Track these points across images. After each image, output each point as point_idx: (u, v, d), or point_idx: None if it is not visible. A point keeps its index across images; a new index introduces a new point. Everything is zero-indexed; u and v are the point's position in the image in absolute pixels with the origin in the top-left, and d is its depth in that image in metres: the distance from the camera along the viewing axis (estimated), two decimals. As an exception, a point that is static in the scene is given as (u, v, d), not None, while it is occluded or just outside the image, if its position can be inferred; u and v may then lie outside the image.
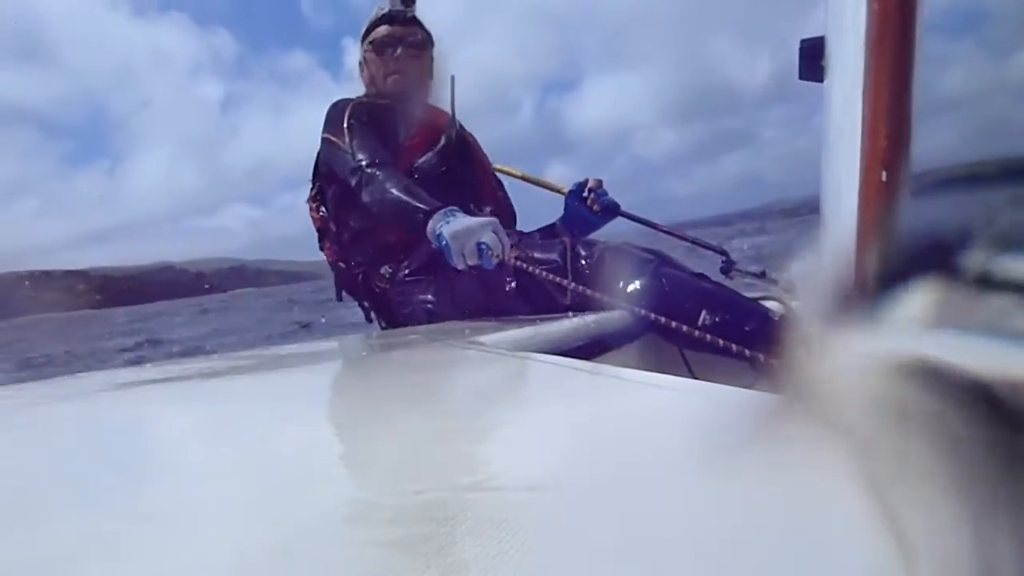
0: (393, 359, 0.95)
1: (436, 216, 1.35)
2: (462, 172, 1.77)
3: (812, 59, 0.59)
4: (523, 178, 1.98)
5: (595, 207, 1.70)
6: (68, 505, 0.38)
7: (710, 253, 1.81)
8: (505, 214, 1.88)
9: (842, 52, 0.49)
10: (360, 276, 1.75)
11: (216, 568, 0.29)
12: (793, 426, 0.43)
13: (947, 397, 0.24)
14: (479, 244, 1.29)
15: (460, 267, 1.32)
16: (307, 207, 1.85)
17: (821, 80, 0.56)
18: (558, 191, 1.85)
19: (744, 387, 0.57)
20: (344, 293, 1.86)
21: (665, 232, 1.88)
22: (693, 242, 1.88)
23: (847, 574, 0.26)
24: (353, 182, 1.54)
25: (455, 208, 1.38)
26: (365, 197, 1.52)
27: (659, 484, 0.37)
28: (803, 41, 0.62)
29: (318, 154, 1.76)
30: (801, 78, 0.64)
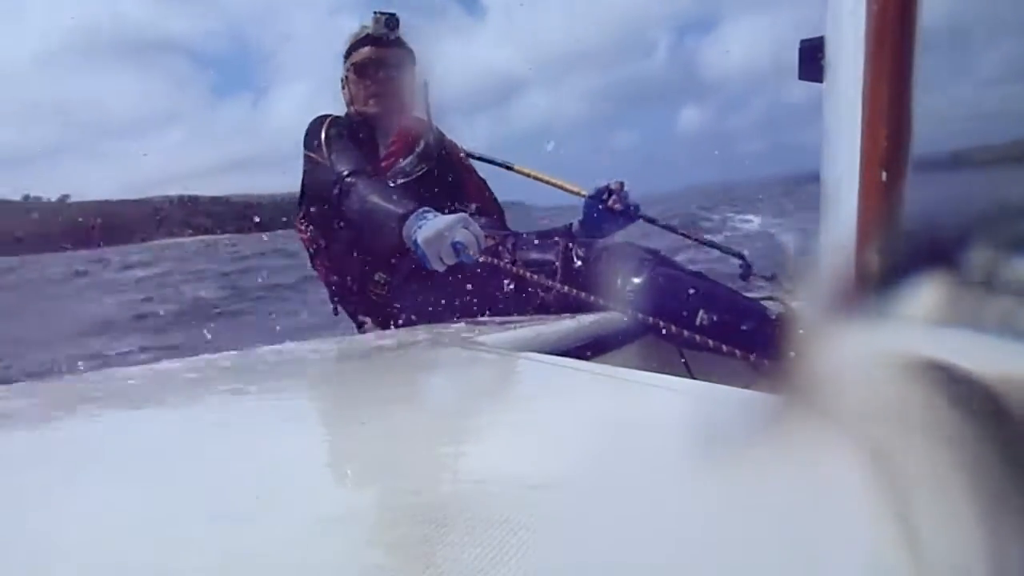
0: (393, 359, 0.95)
1: (408, 222, 1.35)
2: (443, 174, 1.77)
3: (812, 59, 0.59)
4: (543, 179, 1.97)
5: (617, 207, 1.69)
6: (64, 506, 0.38)
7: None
8: (492, 213, 1.89)
9: (842, 52, 0.49)
10: (355, 287, 1.75)
11: (215, 568, 0.29)
12: (793, 426, 0.43)
13: (951, 397, 0.24)
14: (454, 244, 1.28)
15: (440, 269, 1.31)
16: (296, 229, 1.85)
17: (821, 80, 0.56)
18: (576, 193, 1.85)
19: (743, 387, 0.57)
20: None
21: (683, 236, 1.85)
22: (711, 245, 1.86)
23: (848, 573, 0.26)
24: (334, 194, 1.55)
25: (427, 209, 1.37)
26: (346, 208, 1.52)
27: (658, 484, 0.37)
28: (803, 41, 0.62)
29: (303, 174, 1.76)
30: (801, 78, 0.64)
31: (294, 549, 0.30)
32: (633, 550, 0.28)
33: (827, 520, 0.31)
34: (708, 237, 1.92)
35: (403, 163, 1.71)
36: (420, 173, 1.71)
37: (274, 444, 0.50)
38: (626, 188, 1.73)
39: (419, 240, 1.30)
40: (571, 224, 1.80)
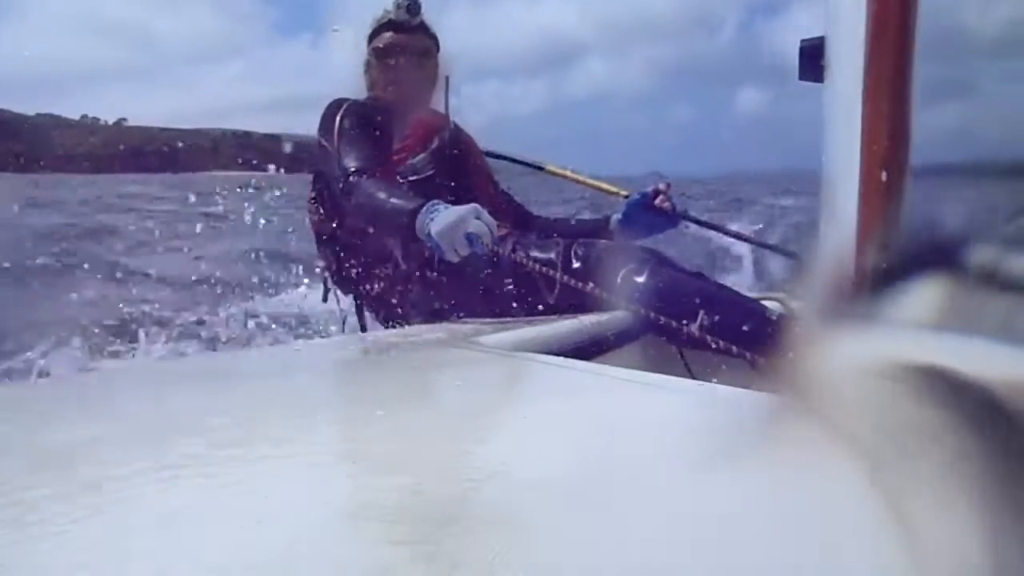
0: (393, 359, 0.95)
1: (420, 216, 1.35)
2: (455, 172, 1.76)
3: (812, 59, 0.59)
4: (577, 180, 1.93)
5: (666, 205, 1.69)
6: (68, 503, 0.38)
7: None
8: (501, 213, 1.88)
9: (842, 52, 0.49)
10: (356, 276, 1.75)
11: (219, 566, 0.29)
12: (792, 426, 0.43)
13: (949, 399, 0.24)
14: (467, 235, 1.29)
15: (455, 260, 1.32)
16: (307, 210, 1.84)
17: (821, 80, 0.56)
18: (615, 194, 1.82)
19: (743, 387, 0.57)
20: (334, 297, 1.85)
21: (732, 236, 1.81)
22: (760, 245, 1.82)
23: (848, 572, 0.26)
24: (339, 188, 1.55)
25: (436, 202, 1.37)
26: (350, 205, 1.52)
27: (658, 483, 0.37)
28: (803, 41, 0.62)
29: (317, 158, 1.76)
30: (801, 78, 0.64)
31: (296, 548, 0.30)
32: (633, 550, 0.28)
33: (826, 520, 0.31)
34: (758, 237, 1.86)
35: (415, 160, 1.70)
36: (431, 172, 1.70)
37: (274, 443, 0.50)
38: (671, 190, 1.72)
39: (432, 233, 1.31)
40: (608, 216, 1.80)
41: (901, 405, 0.29)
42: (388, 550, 0.29)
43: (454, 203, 1.40)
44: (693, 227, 1.85)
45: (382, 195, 1.45)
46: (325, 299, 1.87)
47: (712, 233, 1.94)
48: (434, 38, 1.84)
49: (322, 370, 0.92)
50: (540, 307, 1.43)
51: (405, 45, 1.77)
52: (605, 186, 1.88)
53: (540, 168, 1.98)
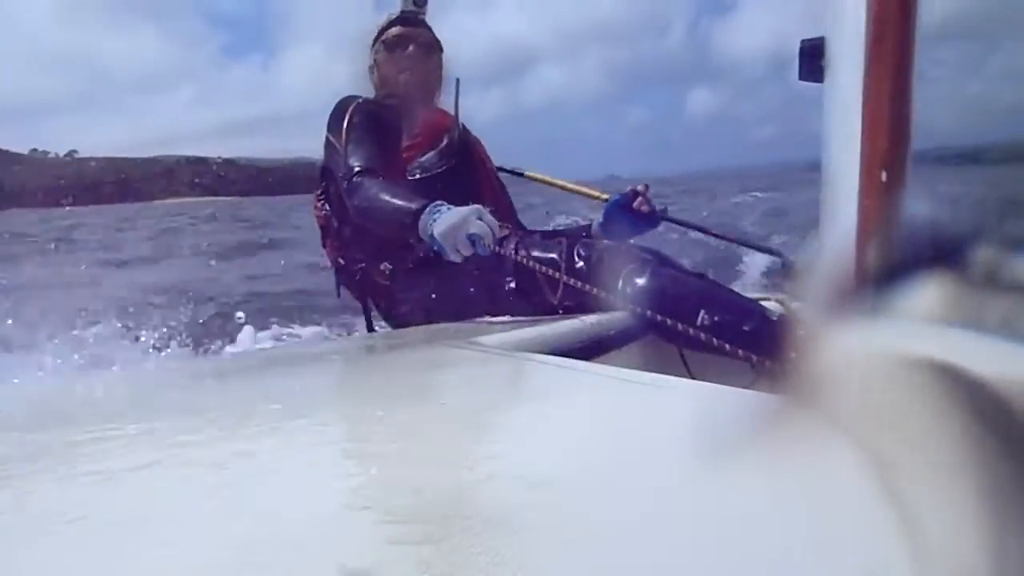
0: (393, 359, 0.95)
1: (423, 216, 1.37)
2: (462, 173, 1.77)
3: (812, 59, 0.59)
4: (558, 185, 1.94)
5: (644, 208, 1.69)
6: (68, 501, 0.38)
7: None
8: (505, 213, 1.88)
9: (842, 52, 0.49)
10: (359, 273, 1.76)
11: (216, 565, 0.29)
12: (793, 426, 0.43)
13: (952, 395, 0.24)
14: (469, 235, 1.30)
15: (458, 260, 1.33)
16: (313, 205, 1.85)
17: (821, 80, 0.56)
18: (596, 198, 1.83)
19: (743, 387, 0.57)
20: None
21: (715, 236, 1.80)
22: (745, 244, 1.81)
23: (849, 572, 0.26)
24: (343, 187, 1.56)
25: (439, 203, 1.38)
26: (353, 204, 1.54)
27: (659, 484, 0.37)
28: (803, 41, 0.62)
29: (324, 155, 1.77)
30: (801, 78, 0.64)
31: (293, 547, 0.30)
32: (633, 550, 0.28)
33: (828, 520, 0.31)
34: (743, 237, 1.85)
35: (424, 158, 1.72)
36: (439, 171, 1.71)
37: (274, 443, 0.50)
38: (650, 192, 1.73)
39: (435, 234, 1.32)
40: (590, 224, 1.80)
41: (902, 402, 0.29)
42: (388, 550, 0.29)
43: (461, 203, 1.41)
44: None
45: (385, 196, 1.46)
46: (339, 294, 1.89)
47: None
48: (437, 38, 1.86)
49: (322, 370, 0.92)
50: (543, 306, 1.43)
51: (414, 36, 1.81)
52: (585, 190, 1.89)
53: (520, 174, 2.00)
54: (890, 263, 0.39)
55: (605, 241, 1.53)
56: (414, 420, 0.55)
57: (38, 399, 0.75)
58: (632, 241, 1.66)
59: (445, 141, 1.74)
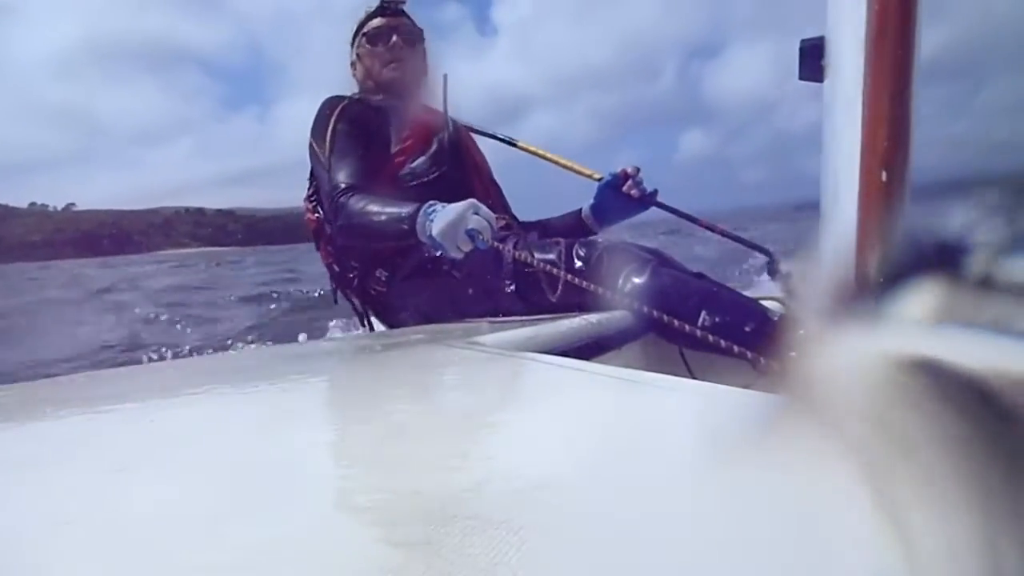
0: (393, 359, 0.95)
1: (419, 220, 1.36)
2: (454, 176, 1.75)
3: (812, 59, 0.59)
4: (550, 159, 1.91)
5: (633, 192, 1.68)
6: (66, 506, 0.38)
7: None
8: (500, 210, 1.87)
9: (842, 52, 0.49)
10: (356, 280, 1.75)
11: (215, 567, 0.29)
12: (793, 426, 0.43)
13: (949, 396, 0.24)
14: (467, 231, 1.30)
15: (459, 257, 1.33)
16: (304, 206, 1.84)
17: (821, 80, 0.56)
18: (588, 176, 1.81)
19: (744, 387, 0.57)
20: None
21: (705, 227, 1.79)
22: (735, 239, 1.80)
23: (847, 573, 0.26)
24: (327, 205, 1.55)
25: (432, 202, 1.38)
26: (340, 225, 1.52)
27: (659, 484, 0.37)
28: (803, 41, 0.62)
29: (309, 157, 1.75)
30: (801, 78, 0.64)
31: (292, 548, 0.30)
32: (633, 550, 0.28)
33: (826, 521, 0.31)
34: (733, 231, 1.84)
35: (414, 164, 1.69)
36: (432, 176, 1.69)
37: (272, 443, 0.50)
38: (641, 175, 1.71)
39: (434, 233, 1.32)
40: (580, 209, 1.80)
41: (899, 404, 0.29)
42: (388, 550, 0.29)
43: (452, 202, 1.40)
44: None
45: (375, 208, 1.45)
46: (335, 300, 1.87)
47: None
48: (419, 28, 1.84)
49: (320, 370, 0.92)
50: (542, 308, 1.43)
51: (396, 27, 1.78)
52: (577, 167, 1.86)
53: (512, 144, 1.95)
54: (889, 264, 0.39)
55: (604, 241, 1.53)
56: (413, 420, 0.55)
57: (28, 395, 0.75)
58: (632, 241, 1.66)
59: (435, 145, 1.72)
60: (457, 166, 1.76)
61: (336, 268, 1.78)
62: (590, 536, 0.30)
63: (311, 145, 1.68)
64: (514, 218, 1.91)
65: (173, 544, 0.32)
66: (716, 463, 0.39)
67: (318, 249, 1.84)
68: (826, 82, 0.55)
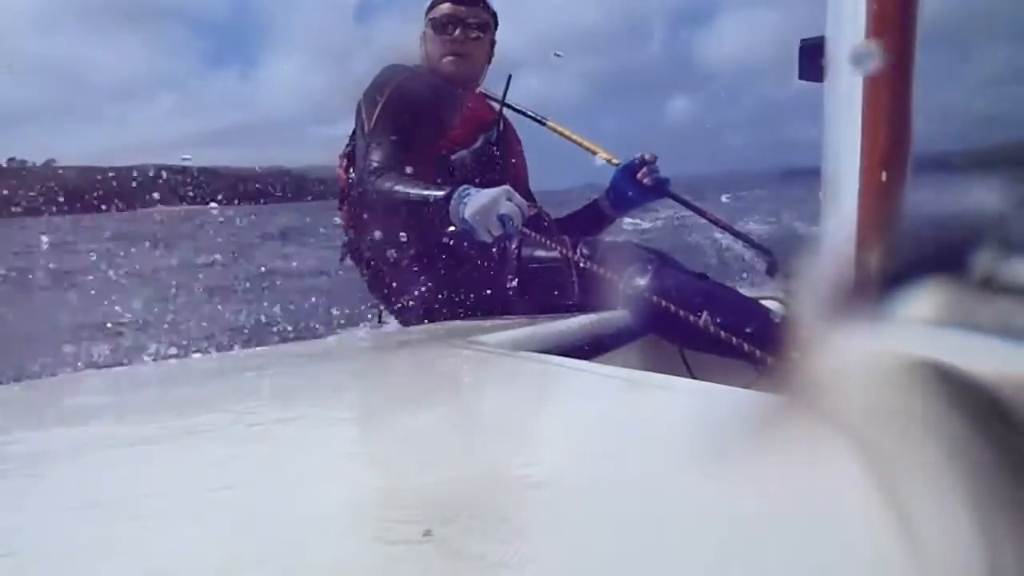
0: (394, 359, 0.95)
1: (453, 200, 1.36)
2: (494, 174, 1.73)
3: (812, 59, 0.58)
4: (575, 140, 1.91)
5: (646, 180, 1.68)
6: (72, 504, 0.38)
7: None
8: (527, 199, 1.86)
9: (842, 52, 0.49)
10: (367, 254, 1.74)
11: (219, 563, 0.29)
12: (793, 426, 0.43)
13: (950, 397, 0.24)
14: (499, 216, 1.31)
15: (489, 240, 1.33)
16: (340, 157, 1.80)
17: (821, 80, 0.56)
18: (608, 160, 1.81)
19: (744, 387, 0.57)
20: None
21: (712, 221, 1.79)
22: (740, 236, 1.80)
23: (848, 572, 0.26)
24: (357, 177, 1.53)
25: (467, 186, 1.37)
26: (375, 203, 1.51)
27: (659, 483, 0.37)
28: (803, 41, 0.62)
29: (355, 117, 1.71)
30: (801, 78, 0.64)
31: (296, 546, 0.30)
32: (633, 549, 0.28)
33: (827, 520, 0.31)
34: (737, 229, 1.84)
35: (456, 156, 1.66)
36: (469, 172, 1.67)
37: (274, 442, 0.50)
38: (657, 163, 1.70)
39: (467, 215, 1.32)
40: (596, 199, 1.79)
41: (901, 402, 0.29)
42: (388, 550, 0.29)
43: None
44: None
45: (405, 188, 1.44)
46: (342, 259, 1.85)
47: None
48: (493, 13, 1.80)
49: (323, 369, 0.92)
50: (544, 304, 1.43)
51: (464, 17, 1.71)
52: (599, 149, 1.86)
53: (542, 122, 1.95)
54: (889, 264, 0.39)
55: (607, 241, 1.53)
56: (415, 420, 0.55)
57: (12, 400, 0.75)
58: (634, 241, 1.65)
59: (481, 141, 1.69)
60: (499, 164, 1.74)
61: (351, 232, 1.76)
62: (590, 535, 0.30)
63: (359, 106, 1.64)
64: (547, 215, 1.90)
65: (175, 541, 0.32)
66: (716, 463, 0.39)
67: (340, 208, 1.81)
68: (826, 82, 0.55)
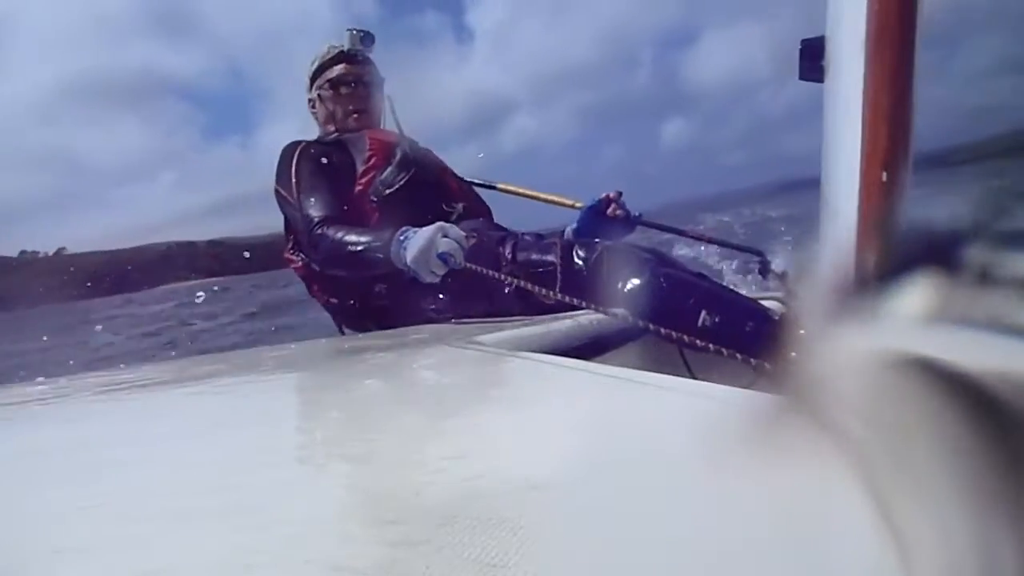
0: (393, 359, 0.95)
1: (392, 248, 1.39)
2: (424, 178, 1.78)
3: (812, 59, 0.59)
4: (530, 196, 1.96)
5: (619, 213, 1.70)
6: (64, 507, 0.38)
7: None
8: (477, 209, 1.91)
9: (842, 52, 0.49)
10: (357, 305, 1.76)
11: (215, 568, 0.29)
12: (793, 426, 0.43)
13: (947, 395, 0.24)
14: (439, 255, 1.33)
15: (436, 280, 1.37)
16: (287, 260, 1.86)
17: (821, 80, 0.56)
18: (570, 207, 1.85)
19: (744, 387, 0.57)
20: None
21: (693, 238, 1.83)
22: (725, 245, 1.83)
23: (846, 573, 0.26)
24: (306, 241, 1.59)
25: (405, 228, 1.41)
26: (319, 259, 1.57)
27: (659, 484, 0.37)
28: (803, 41, 0.62)
29: (280, 207, 1.78)
30: (801, 78, 0.64)
31: (292, 549, 0.30)
32: (633, 550, 0.28)
33: (826, 521, 0.31)
34: (722, 237, 1.88)
35: (383, 175, 1.73)
36: (403, 181, 1.72)
37: (272, 443, 0.50)
38: (623, 198, 1.74)
39: (408, 262, 1.36)
40: (563, 230, 1.81)
41: (897, 400, 0.29)
42: (387, 550, 0.29)
43: (434, 208, 1.42)
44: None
45: (352, 238, 1.49)
46: (342, 332, 1.90)
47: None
48: (378, 70, 1.87)
49: (320, 370, 0.92)
50: (543, 306, 1.44)
51: (360, 75, 1.84)
52: (558, 199, 1.92)
53: (492, 187, 2.03)
54: (889, 262, 0.39)
55: (605, 241, 1.53)
56: (413, 420, 0.55)
57: (29, 396, 0.75)
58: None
59: (399, 154, 1.76)
60: (423, 169, 1.79)
61: (335, 301, 1.80)
62: (589, 536, 0.30)
63: (277, 192, 1.72)
64: (490, 214, 1.93)
65: (170, 543, 0.32)
66: (716, 463, 0.39)
67: (311, 294, 1.86)
68: (826, 82, 0.55)
